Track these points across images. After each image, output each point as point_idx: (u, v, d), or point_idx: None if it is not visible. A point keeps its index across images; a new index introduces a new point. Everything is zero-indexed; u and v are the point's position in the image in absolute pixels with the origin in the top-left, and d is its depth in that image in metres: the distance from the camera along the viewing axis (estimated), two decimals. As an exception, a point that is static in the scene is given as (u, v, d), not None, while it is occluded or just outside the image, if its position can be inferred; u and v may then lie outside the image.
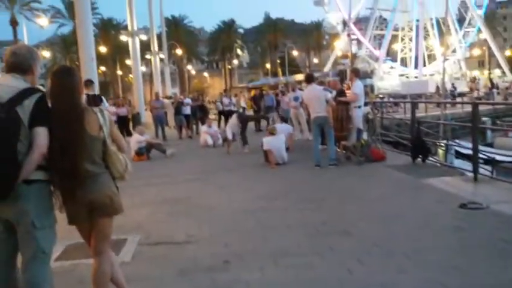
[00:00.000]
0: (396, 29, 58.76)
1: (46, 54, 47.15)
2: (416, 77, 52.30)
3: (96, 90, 11.35)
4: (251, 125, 15.00)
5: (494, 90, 39.29)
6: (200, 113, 18.19)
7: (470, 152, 7.38)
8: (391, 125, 13.96)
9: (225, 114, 17.72)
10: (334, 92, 9.51)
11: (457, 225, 4.60)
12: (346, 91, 9.75)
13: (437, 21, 55.33)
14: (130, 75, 39.12)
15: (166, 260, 4.11)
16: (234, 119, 11.99)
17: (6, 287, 2.65)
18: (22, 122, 2.48)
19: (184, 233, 4.86)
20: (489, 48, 58.58)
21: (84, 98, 2.88)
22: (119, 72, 59.35)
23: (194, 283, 3.60)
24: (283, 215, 5.41)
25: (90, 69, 11.80)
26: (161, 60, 34.86)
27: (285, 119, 13.74)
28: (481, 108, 11.68)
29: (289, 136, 10.99)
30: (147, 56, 34.61)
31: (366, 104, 9.72)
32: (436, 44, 56.52)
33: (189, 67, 71.53)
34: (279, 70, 68.77)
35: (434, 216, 4.99)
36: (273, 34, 74.25)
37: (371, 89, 33.75)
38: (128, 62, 39.97)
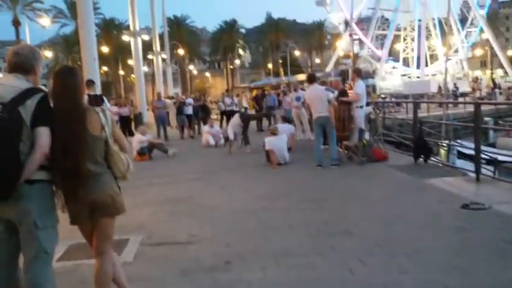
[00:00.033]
0: (398, 29, 58.68)
1: (48, 54, 47.28)
2: (418, 77, 52.25)
3: (98, 90, 11.38)
4: (253, 124, 15.01)
5: (497, 90, 39.18)
6: (202, 113, 18.22)
7: (472, 152, 7.36)
8: (393, 125, 13.94)
9: (227, 114, 17.74)
10: (336, 92, 9.52)
11: (459, 225, 4.59)
12: (348, 91, 9.74)
13: (440, 21, 55.22)
14: (133, 75, 39.21)
15: (168, 260, 4.12)
16: (236, 119, 11.99)
17: (8, 287, 2.65)
18: (24, 122, 2.49)
19: (186, 233, 4.86)
20: (491, 48, 58.44)
21: (85, 98, 2.87)
22: (121, 72, 59.45)
23: (196, 283, 3.60)
24: (285, 215, 5.41)
25: (92, 69, 11.83)
26: (163, 60, 34.86)
27: (287, 119, 13.74)
28: (483, 108, 11.67)
29: (291, 136, 10.99)
30: (149, 56, 34.65)
31: (368, 104, 9.72)
32: (438, 44, 56.43)
33: (191, 67, 71.63)
34: (281, 70, 68.78)
35: (436, 217, 4.98)
36: (275, 34, 74.27)
37: (373, 89, 33.74)
38: (130, 62, 40.06)
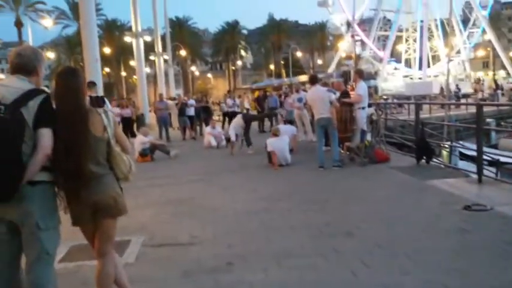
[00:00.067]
0: (400, 30, 58.62)
1: (50, 55, 47.38)
2: (420, 78, 52.17)
3: (100, 91, 11.40)
4: (254, 126, 15.02)
5: (499, 92, 39.12)
6: (204, 114, 18.23)
7: (474, 153, 7.35)
8: (395, 126, 13.94)
9: (229, 116, 17.75)
10: (338, 93, 9.51)
11: (461, 226, 4.59)
12: (350, 92, 9.74)
13: (442, 22, 55.15)
14: (135, 76, 39.20)
15: (170, 262, 4.12)
16: (238, 119, 11.99)
17: (10, 288, 2.66)
18: (27, 123, 2.49)
19: (188, 234, 4.87)
20: (494, 49, 58.26)
21: (87, 99, 2.88)
22: (123, 74, 59.53)
23: (198, 284, 3.60)
24: (287, 216, 5.41)
25: (95, 70, 11.83)
26: (165, 61, 34.91)
27: (289, 121, 13.76)
28: (486, 109, 11.65)
29: (293, 137, 10.99)
30: (151, 57, 34.70)
31: (369, 105, 9.71)
32: (440, 45, 56.36)
33: (193, 68, 71.67)
34: (283, 71, 68.80)
35: (438, 218, 4.98)
36: (277, 35, 74.27)
37: (375, 90, 33.71)
38: (132, 63, 40.10)
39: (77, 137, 2.64)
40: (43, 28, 40.77)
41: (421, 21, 55.01)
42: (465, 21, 59.44)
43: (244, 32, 79.44)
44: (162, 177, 8.98)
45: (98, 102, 2.86)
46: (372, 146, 8.96)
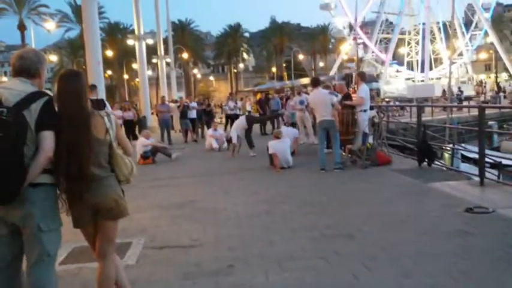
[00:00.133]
0: (402, 33, 58.67)
1: (53, 58, 47.61)
2: (422, 81, 52.17)
3: (103, 94, 11.44)
4: (256, 129, 15.02)
5: (501, 94, 39.08)
6: (206, 116, 18.26)
7: (476, 156, 7.34)
8: (397, 128, 13.94)
9: (231, 118, 17.77)
10: (340, 96, 9.51)
11: (463, 229, 4.58)
12: (352, 95, 9.73)
13: (444, 25, 55.16)
14: (137, 79, 39.29)
15: (171, 264, 4.12)
16: (241, 120, 12.00)
17: (11, 289, 2.67)
18: (29, 125, 2.50)
19: (189, 237, 4.87)
20: (496, 51, 58.25)
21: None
22: (126, 76, 59.68)
23: (198, 287, 3.60)
24: (288, 219, 5.40)
25: (97, 73, 11.87)
26: (167, 64, 35.01)
27: (291, 124, 13.78)
28: (488, 112, 11.62)
29: (295, 140, 11.00)
30: (154, 60, 34.81)
31: (371, 108, 9.71)
32: (442, 48, 56.35)
33: (195, 71, 71.80)
34: (285, 74, 68.80)
35: (439, 221, 4.96)
36: (279, 38, 74.34)
37: (377, 93, 33.69)
38: (135, 66, 40.17)
39: (79, 139, 2.65)
40: (46, 31, 40.97)
41: (423, 23, 55.05)
42: (467, 23, 59.44)
43: (247, 34, 79.61)
44: (163, 180, 8.99)
45: (99, 104, 2.88)
46: (374, 148, 8.95)
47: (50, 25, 41.28)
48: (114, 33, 62.29)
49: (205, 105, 18.89)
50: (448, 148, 11.52)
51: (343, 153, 9.38)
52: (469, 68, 58.61)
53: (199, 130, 18.27)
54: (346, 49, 57.55)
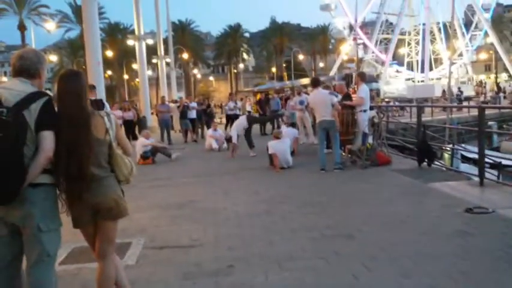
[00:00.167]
0: (402, 33, 58.67)
1: (53, 58, 47.60)
2: (422, 81, 52.18)
3: (103, 94, 11.44)
4: (256, 128, 15.03)
5: (501, 94, 39.10)
6: (206, 116, 18.26)
7: (476, 156, 7.34)
8: (396, 129, 13.94)
9: (231, 118, 17.78)
10: (340, 96, 9.52)
11: (463, 229, 4.58)
12: (352, 95, 9.74)
13: (444, 25, 55.18)
14: (137, 79, 39.32)
15: (171, 264, 4.12)
16: (242, 120, 12.00)
17: (10, 289, 2.67)
18: (29, 125, 2.50)
19: (189, 237, 4.87)
20: (496, 52, 58.26)
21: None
22: (126, 76, 59.69)
23: (198, 287, 3.60)
24: (288, 219, 5.40)
25: (97, 73, 11.87)
26: (167, 64, 35.01)
27: (291, 124, 13.77)
28: (488, 112, 11.63)
29: (295, 140, 11.01)
30: (154, 60, 34.82)
31: (371, 108, 9.71)
32: (442, 48, 56.36)
33: (195, 71, 71.82)
34: (285, 74, 68.80)
35: (439, 221, 4.97)
36: (279, 38, 74.37)
37: (377, 93, 33.70)
38: (135, 66, 40.21)
39: (79, 139, 2.65)
40: (46, 31, 40.97)
41: (424, 24, 55.06)
42: (467, 24, 59.44)
43: (247, 35, 79.63)
44: (163, 180, 8.99)
45: (98, 104, 2.88)
46: (374, 148, 8.96)
47: (50, 25, 41.28)
48: (114, 33, 62.30)
49: (205, 105, 18.89)
50: (448, 148, 11.52)
51: (343, 154, 9.38)
52: (469, 68, 58.62)
53: (199, 130, 18.27)
54: (346, 49, 57.54)
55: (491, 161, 8.92)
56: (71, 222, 2.83)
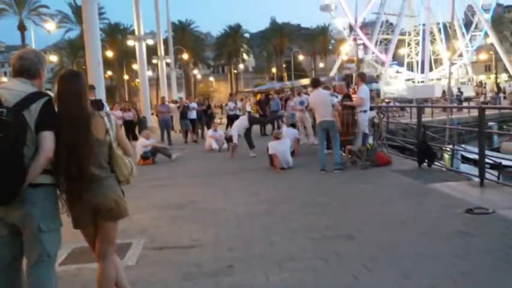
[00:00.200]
0: (402, 34, 58.66)
1: (53, 58, 47.59)
2: (422, 82, 52.18)
3: (103, 95, 11.44)
4: (256, 129, 15.02)
5: (501, 95, 39.10)
6: (206, 117, 18.27)
7: (476, 156, 7.34)
8: (397, 129, 13.93)
9: (231, 119, 17.78)
10: (340, 97, 9.52)
11: (463, 230, 4.58)
12: (352, 95, 9.74)
13: (444, 26, 55.18)
14: (137, 80, 39.32)
15: (171, 264, 4.12)
16: (243, 120, 11.99)
17: (11, 289, 2.66)
18: (29, 126, 2.50)
19: (189, 237, 4.87)
20: (496, 52, 58.23)
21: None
22: (126, 77, 59.70)
23: (198, 287, 3.60)
24: (288, 220, 5.40)
25: (97, 74, 11.87)
26: (167, 64, 35.02)
27: (291, 125, 13.77)
28: (488, 112, 11.61)
29: (295, 140, 11.01)
30: (154, 61, 34.82)
31: (371, 109, 9.71)
32: (442, 49, 56.36)
33: (195, 71, 71.83)
34: (285, 74, 68.80)
35: (439, 221, 4.96)
36: (279, 39, 74.37)
37: (377, 94, 33.71)
38: (135, 66, 40.22)
39: (79, 139, 2.65)
40: (46, 32, 40.96)
41: (424, 24, 55.07)
42: (467, 24, 59.43)
43: (247, 35, 79.61)
44: (163, 180, 8.99)
45: (97, 105, 2.88)
46: (374, 149, 8.95)
47: (50, 26, 41.28)
48: (114, 33, 62.30)
49: (205, 105, 18.89)
50: (448, 149, 11.50)
51: (343, 154, 9.38)
52: (469, 68, 58.62)
53: (199, 131, 18.27)
54: (346, 50, 57.54)
55: (491, 162, 8.91)
56: (71, 222, 2.83)
